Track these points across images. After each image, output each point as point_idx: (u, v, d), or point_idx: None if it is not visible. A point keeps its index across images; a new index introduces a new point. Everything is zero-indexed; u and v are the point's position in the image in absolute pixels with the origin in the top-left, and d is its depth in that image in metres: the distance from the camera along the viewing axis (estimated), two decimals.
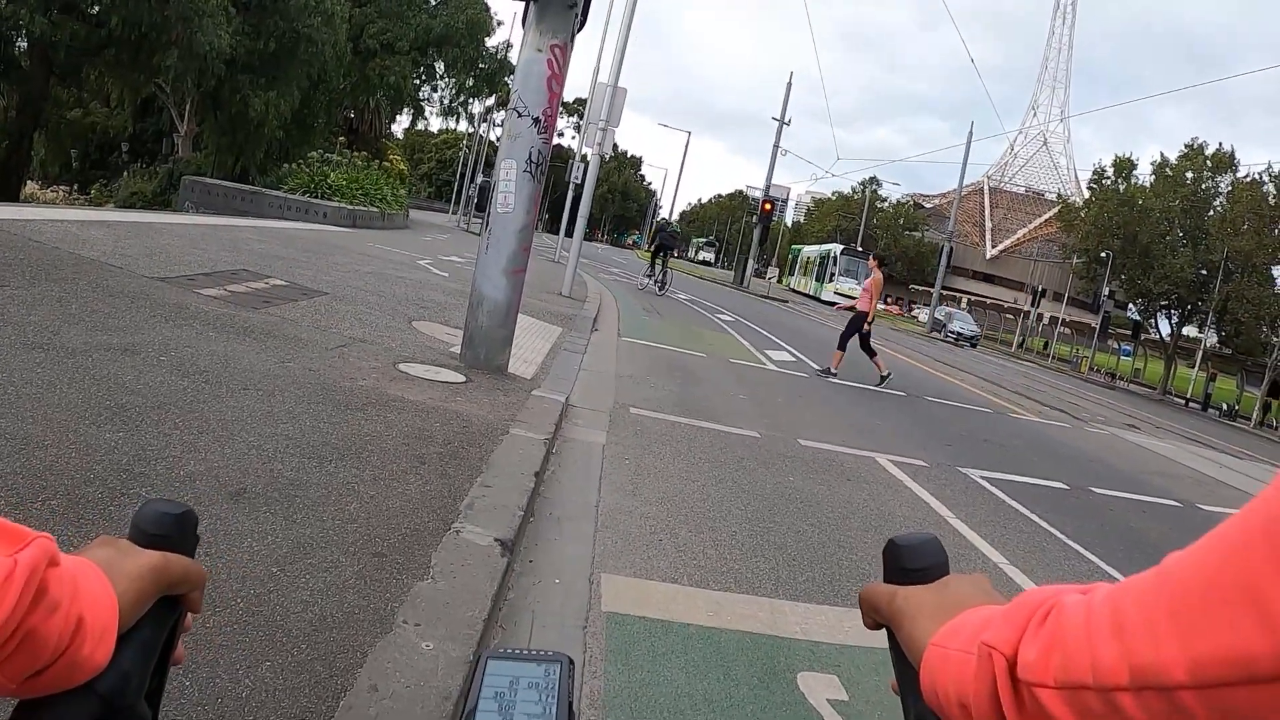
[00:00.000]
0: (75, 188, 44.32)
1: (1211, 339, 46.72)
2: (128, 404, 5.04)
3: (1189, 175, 44.17)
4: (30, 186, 39.20)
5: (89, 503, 3.71)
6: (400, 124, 66.05)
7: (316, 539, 3.85)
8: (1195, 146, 44.53)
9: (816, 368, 16.32)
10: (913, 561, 0.87)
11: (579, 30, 8.56)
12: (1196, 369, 43.58)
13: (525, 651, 0.88)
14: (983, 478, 9.44)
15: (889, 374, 16.01)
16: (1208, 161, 43.88)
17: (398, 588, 3.57)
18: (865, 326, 15.82)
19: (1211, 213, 43.48)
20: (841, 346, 15.96)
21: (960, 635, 0.71)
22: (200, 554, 0.88)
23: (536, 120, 8.25)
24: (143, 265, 9.81)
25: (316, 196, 28.59)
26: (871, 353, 16.07)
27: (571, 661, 0.87)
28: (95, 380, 5.35)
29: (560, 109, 8.90)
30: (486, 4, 40.53)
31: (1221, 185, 43.76)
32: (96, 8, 26.19)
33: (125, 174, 38.41)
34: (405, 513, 4.38)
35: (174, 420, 4.95)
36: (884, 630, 0.87)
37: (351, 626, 3.20)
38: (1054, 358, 56.91)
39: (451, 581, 3.72)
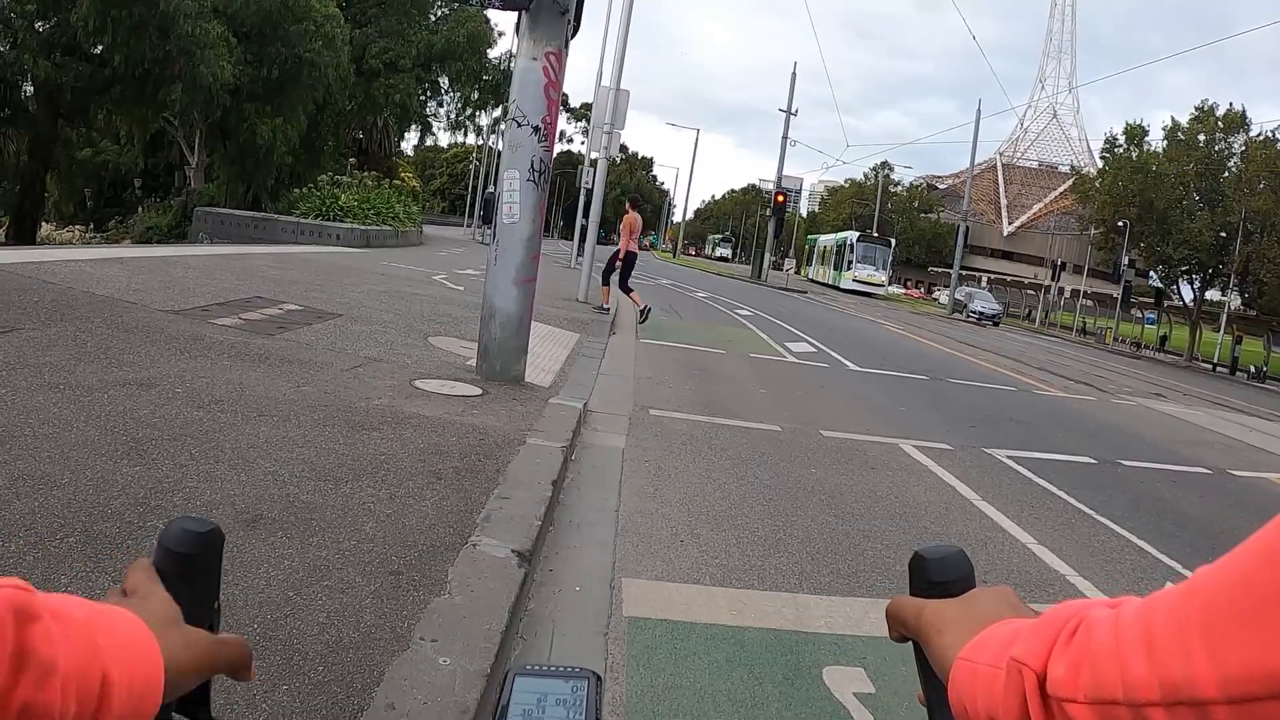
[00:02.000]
0: (91, 226, 44.71)
1: (1235, 301, 46.38)
2: (144, 438, 5.07)
3: (1201, 138, 43.84)
4: (46, 228, 39.59)
5: (106, 538, 3.72)
6: (409, 141, 66.28)
7: (333, 561, 3.86)
8: (1206, 108, 44.21)
9: (593, 305, 18.20)
10: (939, 575, 0.86)
11: (573, 36, 8.56)
12: (1222, 333, 43.16)
13: (553, 668, 0.88)
14: (1009, 457, 9.38)
15: (647, 308, 17.54)
16: (1219, 123, 43.53)
17: (415, 605, 3.57)
18: (615, 262, 18.36)
19: (1226, 174, 43.17)
20: (605, 282, 18.33)
21: (988, 650, 0.71)
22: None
23: (536, 128, 8.25)
24: (157, 299, 9.87)
25: (329, 219, 28.72)
26: (628, 290, 18.05)
27: (599, 677, 0.88)
28: (112, 416, 5.38)
29: (567, 114, 8.93)
30: (486, 16, 40.59)
31: (1235, 146, 43.40)
32: (99, 47, 26.47)
33: (140, 209, 38.78)
34: (422, 529, 4.38)
35: (190, 451, 4.98)
36: (910, 642, 0.86)
37: (368, 646, 3.20)
38: (1077, 330, 56.57)
39: (469, 595, 3.71)
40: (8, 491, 4.02)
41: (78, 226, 45.46)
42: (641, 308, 17.31)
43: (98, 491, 4.19)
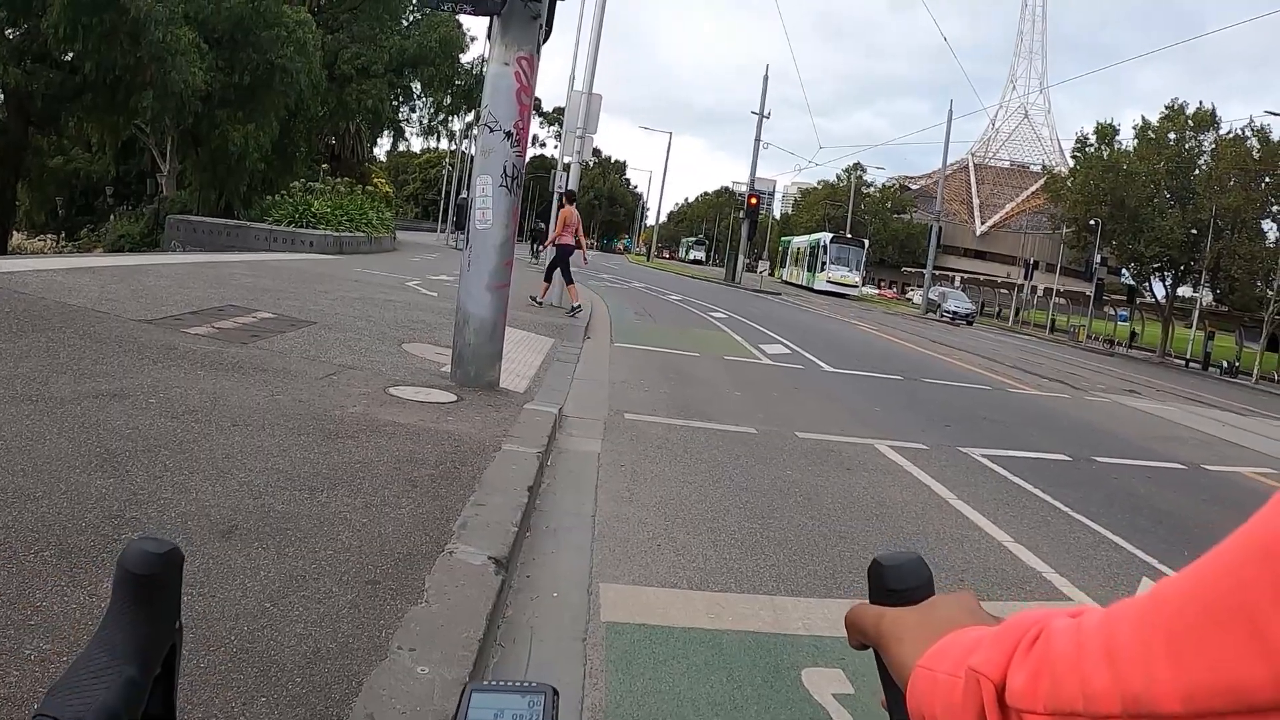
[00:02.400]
0: (63, 235, 44.34)
1: (1207, 298, 46.75)
2: (118, 449, 5.04)
3: (1171, 136, 44.20)
4: (17, 237, 39.19)
5: (80, 551, 3.70)
6: (382, 147, 66.03)
7: (309, 571, 3.84)
8: (1176, 107, 44.59)
9: (565, 309, 18.20)
10: (897, 582, 0.86)
11: (544, 41, 8.57)
12: (1194, 329, 43.56)
13: (509, 684, 0.88)
14: (984, 456, 9.44)
15: (578, 305, 18.13)
16: (1189, 121, 43.92)
17: (392, 614, 3.56)
18: (546, 246, 20.33)
19: (1197, 172, 43.52)
20: (548, 279, 18.56)
21: (948, 658, 0.70)
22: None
23: (509, 134, 8.25)
24: (130, 309, 9.81)
25: (301, 226, 28.54)
26: (569, 281, 18.41)
27: (555, 692, 0.87)
28: (85, 428, 5.35)
29: (540, 118, 8.93)
30: (458, 21, 40.44)
31: (1205, 144, 43.78)
32: (70, 54, 26.21)
33: (111, 217, 38.49)
34: (398, 537, 4.37)
35: (164, 462, 4.95)
36: (871, 649, 0.87)
37: (346, 656, 3.19)
38: (1050, 328, 56.92)
39: (446, 603, 3.71)
40: None
41: (49, 235, 45.07)
42: (575, 304, 18.04)
43: (71, 504, 4.16)
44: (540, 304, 18.12)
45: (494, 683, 0.88)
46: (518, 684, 0.88)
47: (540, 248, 34.89)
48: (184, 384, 6.85)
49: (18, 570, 3.45)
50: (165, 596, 0.83)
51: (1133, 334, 49.62)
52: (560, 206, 19.28)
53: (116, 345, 7.85)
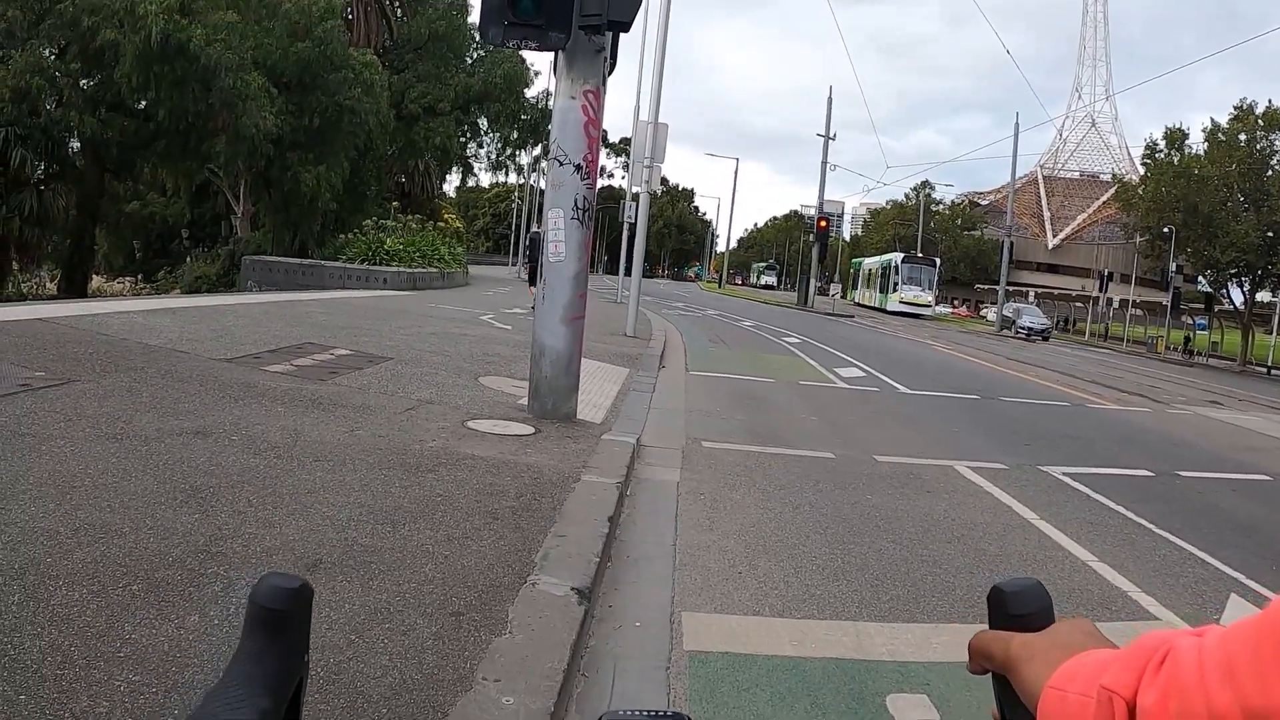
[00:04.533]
0: (140, 277, 45.57)
1: None
2: (202, 485, 5.13)
3: (1242, 137, 43.18)
4: (96, 280, 40.35)
5: (168, 585, 3.76)
6: (451, 183, 66.78)
7: (393, 603, 3.87)
8: (1245, 107, 43.54)
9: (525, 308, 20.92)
10: (1018, 607, 0.88)
11: (610, 73, 8.62)
12: (1275, 334, 42.45)
13: (641, 713, 0.89)
14: (1065, 474, 9.25)
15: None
16: (1259, 121, 42.84)
17: (476, 645, 3.57)
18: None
19: (1270, 173, 42.44)
20: (533, 283, 20.32)
21: (1078, 679, 0.72)
22: None
23: (578, 167, 8.29)
24: (209, 348, 10.02)
25: (375, 263, 29.04)
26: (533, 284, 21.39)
27: (688, 719, 0.88)
28: (169, 465, 5.46)
29: (606, 149, 8.98)
30: (522, 56, 40.90)
31: (1277, 143, 42.72)
32: (143, 102, 27.03)
33: (188, 259, 39.46)
34: (480, 569, 4.39)
35: (248, 498, 5.03)
36: (989, 674, 0.87)
37: (431, 687, 3.21)
38: (1128, 340, 55.86)
39: (530, 634, 3.71)
40: (70, 541, 4.09)
41: (127, 278, 46.32)
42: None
43: (158, 539, 4.25)
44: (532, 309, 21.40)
45: (627, 711, 0.89)
46: (650, 713, 0.89)
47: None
48: (265, 421, 6.97)
49: (107, 603, 3.52)
50: (295, 630, 0.85)
51: (1214, 343, 48.54)
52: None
53: (198, 384, 8.02)
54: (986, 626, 0.88)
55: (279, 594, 0.84)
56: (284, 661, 0.81)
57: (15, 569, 3.71)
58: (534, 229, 43.57)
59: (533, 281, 22.14)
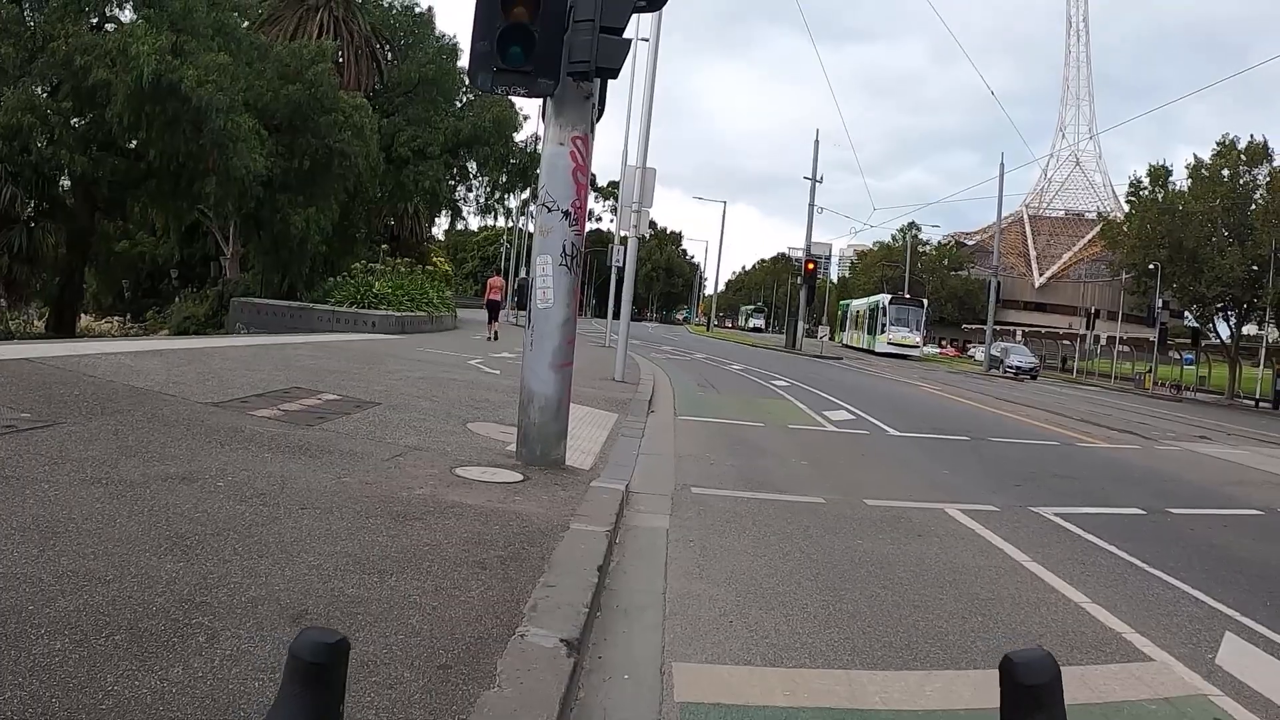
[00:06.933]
0: (129, 317, 45.45)
1: (1274, 334, 45.89)
2: (187, 533, 5.09)
3: (1225, 172, 43.70)
4: (85, 319, 40.31)
5: (151, 635, 3.71)
6: (440, 226, 66.85)
7: (380, 655, 3.82)
8: (1227, 143, 44.08)
9: (483, 336, 27.99)
10: (1029, 678, 0.88)
11: (598, 119, 8.66)
12: (1262, 367, 42.67)
13: None
14: (1055, 514, 9.22)
15: (494, 338, 27.99)
16: (1242, 155, 43.36)
17: (464, 699, 3.52)
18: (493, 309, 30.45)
19: (1254, 207, 42.89)
20: (493, 319, 29.83)
21: None
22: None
23: (566, 213, 8.30)
24: (196, 392, 9.97)
25: (364, 306, 29.03)
26: (494, 320, 30.05)
27: None
28: (154, 511, 5.41)
29: (595, 192, 9.00)
30: (511, 101, 41.07)
31: (1260, 177, 43.23)
32: (134, 142, 27.15)
33: (177, 300, 39.41)
34: (468, 621, 4.34)
35: (233, 546, 4.98)
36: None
37: None
38: (1115, 377, 56.06)
39: (518, 688, 3.66)
40: (53, 588, 4.05)
41: (116, 317, 46.22)
42: (489, 335, 28.55)
43: (142, 588, 4.20)
44: (491, 339, 28.24)
45: None
46: None
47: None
48: (251, 467, 6.92)
49: (89, 653, 3.47)
50: (332, 683, 0.84)
51: (1201, 377, 48.79)
52: (489, 277, 27.76)
53: (184, 428, 7.97)
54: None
55: (318, 649, 0.84)
56: (321, 713, 0.81)
57: None
58: (523, 275, 43.82)
59: (493, 318, 29.98)
